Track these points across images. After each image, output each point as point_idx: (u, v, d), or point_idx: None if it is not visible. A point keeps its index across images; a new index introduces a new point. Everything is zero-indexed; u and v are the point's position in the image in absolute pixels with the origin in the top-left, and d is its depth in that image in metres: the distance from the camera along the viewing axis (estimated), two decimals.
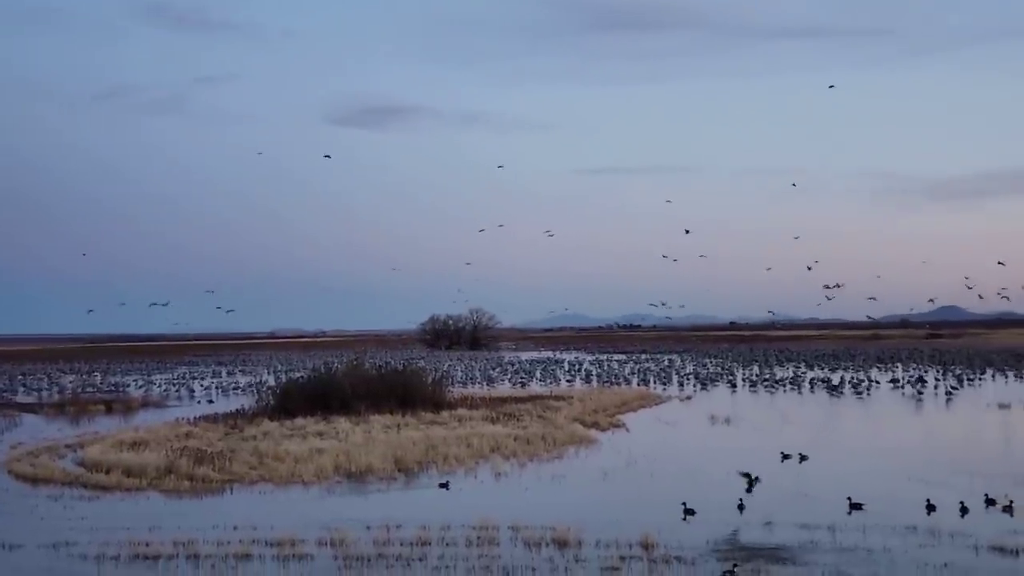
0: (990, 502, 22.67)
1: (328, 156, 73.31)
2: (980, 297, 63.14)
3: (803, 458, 31.18)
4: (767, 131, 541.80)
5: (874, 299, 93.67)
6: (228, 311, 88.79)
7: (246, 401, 52.76)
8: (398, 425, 39.00)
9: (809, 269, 62.32)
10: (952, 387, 60.83)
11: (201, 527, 21.45)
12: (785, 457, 31.47)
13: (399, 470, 29.78)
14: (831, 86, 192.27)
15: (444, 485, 26.83)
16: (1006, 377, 72.14)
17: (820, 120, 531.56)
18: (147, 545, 19.67)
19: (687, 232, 67.60)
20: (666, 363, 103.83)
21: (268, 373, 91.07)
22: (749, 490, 24.75)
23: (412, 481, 28.34)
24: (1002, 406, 48.84)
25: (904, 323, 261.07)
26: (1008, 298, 61.18)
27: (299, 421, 40.54)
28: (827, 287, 61.02)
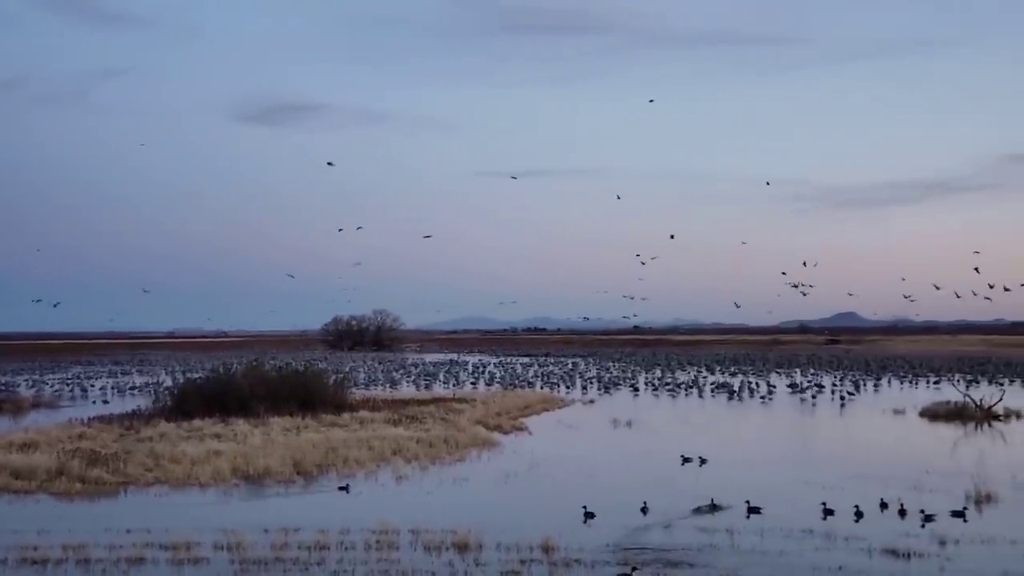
0: (884, 506, 23.26)
1: (331, 163, 73.09)
2: (937, 287, 63.88)
3: (703, 461, 31.65)
4: (675, 136, 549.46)
5: (739, 306, 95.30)
6: (54, 304, 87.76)
7: (142, 402, 51.69)
8: (298, 427, 38.57)
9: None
10: (848, 392, 62.28)
11: (92, 530, 20.93)
12: (685, 460, 31.90)
13: (298, 473, 29.45)
14: (651, 100, 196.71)
15: (344, 488, 26.61)
16: (901, 383, 74.13)
17: (727, 126, 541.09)
18: (35, 549, 19.12)
19: (671, 237, 68.03)
20: (570, 366, 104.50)
21: (166, 373, 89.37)
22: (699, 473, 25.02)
23: (311, 484, 28.05)
24: (896, 411, 50.17)
25: (803, 329, 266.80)
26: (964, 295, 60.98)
27: (196, 422, 39.85)
28: (795, 286, 61.44)
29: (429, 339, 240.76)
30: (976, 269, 57.97)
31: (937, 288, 60.54)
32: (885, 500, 23.58)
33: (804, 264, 61.24)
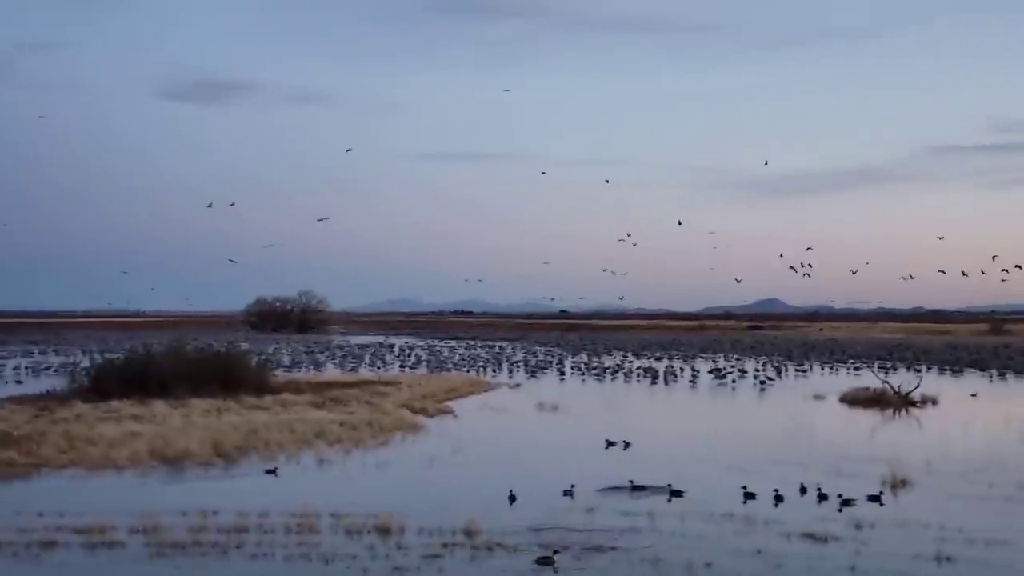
0: (803, 490, 23.64)
1: (350, 150, 72.06)
2: (911, 278, 64.52)
3: (627, 445, 31.92)
4: (602, 121, 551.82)
5: (739, 281, 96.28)
6: None
7: (58, 383, 50.63)
8: (218, 409, 38.09)
9: (632, 243, 63.02)
10: (769, 378, 63.18)
11: (3, 514, 20.47)
12: (610, 444, 32.15)
13: (218, 456, 29.09)
14: (506, 90, 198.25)
15: (272, 471, 26.38)
16: (822, 369, 75.41)
17: (653, 113, 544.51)
18: None
19: (629, 237, 68.43)
20: (497, 350, 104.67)
21: (83, 354, 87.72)
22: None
23: (232, 467, 27.74)
24: (817, 397, 51.02)
25: (727, 315, 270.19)
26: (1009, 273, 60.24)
27: (114, 404, 39.13)
28: (794, 268, 61.59)
29: (355, 321, 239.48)
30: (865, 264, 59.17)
31: (853, 272, 61.39)
32: (805, 485, 23.96)
33: (808, 249, 61.73)
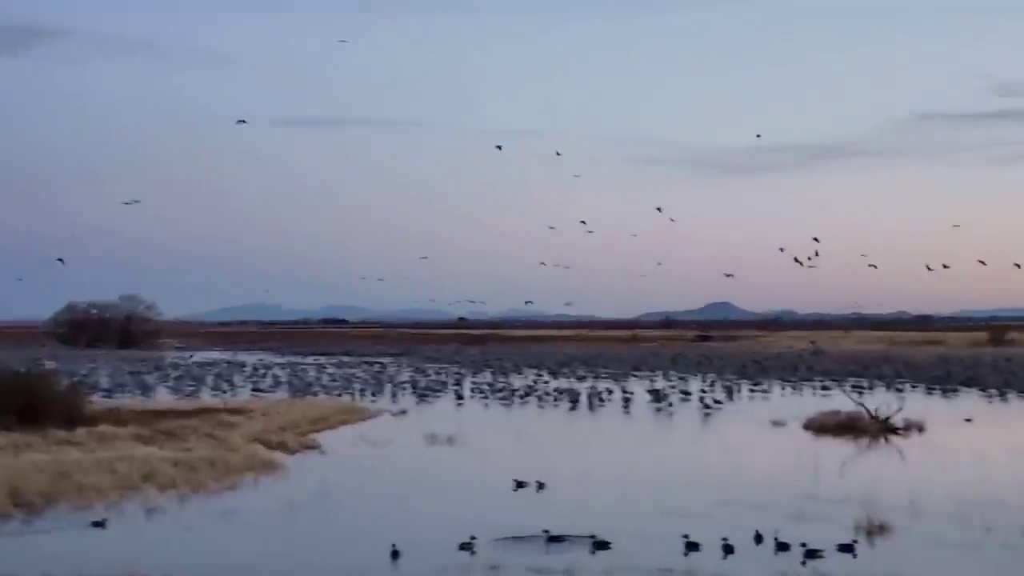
0: (758, 538, 24.00)
1: (242, 122, 71.03)
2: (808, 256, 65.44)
3: (541, 486, 32.06)
4: (507, 86, 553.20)
5: (569, 303, 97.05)
6: None
7: None
8: (17, 446, 37.38)
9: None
10: (715, 401, 63.87)
11: None
12: (519, 485, 32.25)
13: (16, 505, 28.53)
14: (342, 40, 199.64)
15: (100, 524, 26.00)
16: (783, 389, 76.61)
17: (568, 73, 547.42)
18: None
19: (585, 225, 68.11)
20: (377, 368, 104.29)
21: None
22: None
23: (35, 519, 27.25)
24: (776, 423, 51.79)
25: (668, 323, 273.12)
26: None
27: None
28: (799, 261, 61.74)
29: (195, 333, 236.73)
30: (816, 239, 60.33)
31: (811, 257, 61.93)
32: (760, 532, 24.30)
33: (816, 240, 62.03)
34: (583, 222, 70.70)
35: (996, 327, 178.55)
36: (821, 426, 49.92)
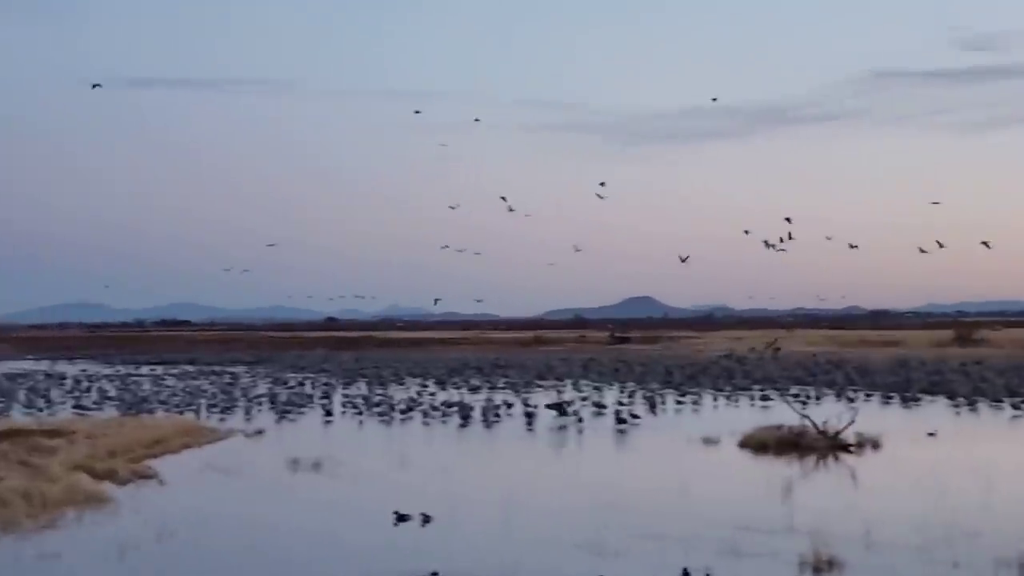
0: None
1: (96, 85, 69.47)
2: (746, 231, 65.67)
3: (427, 519, 32.00)
4: (389, 42, 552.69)
5: (480, 301, 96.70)
6: None
7: None
8: None
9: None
10: (633, 415, 63.89)
11: None
12: (401, 519, 32.16)
13: None
14: None
15: None
16: (716, 400, 77.14)
17: (468, 29, 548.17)
18: None
19: (509, 206, 67.50)
20: (228, 379, 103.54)
21: None
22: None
23: None
24: (708, 441, 52.18)
25: (579, 322, 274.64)
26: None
27: None
28: (770, 245, 61.71)
29: (2, 338, 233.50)
30: (789, 219, 60.89)
31: (783, 239, 62.12)
32: (688, 569, 24.45)
33: (788, 220, 62.18)
34: (504, 198, 70.38)
35: (963, 324, 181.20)
36: (760, 443, 50.36)
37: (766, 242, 62.61)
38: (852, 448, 49.42)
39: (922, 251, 65.22)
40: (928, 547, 28.05)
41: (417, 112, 62.69)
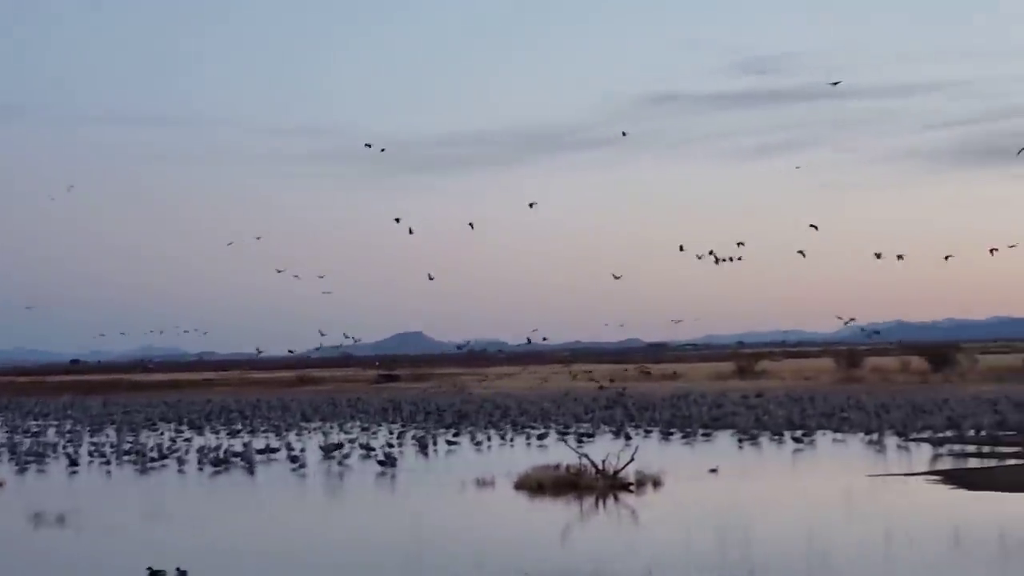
0: None
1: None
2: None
3: (182, 575, 31.51)
4: (132, 64, 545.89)
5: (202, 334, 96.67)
6: None
7: None
8: None
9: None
10: (387, 458, 63.47)
11: None
12: (154, 575, 31.62)
13: None
14: None
15: None
16: (490, 439, 77.28)
17: (218, 55, 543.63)
18: None
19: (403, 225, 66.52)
20: None
21: None
22: None
23: None
24: (482, 483, 52.33)
25: (347, 360, 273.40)
26: None
27: None
28: (717, 259, 61.18)
29: None
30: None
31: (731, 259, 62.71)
32: None
33: (740, 245, 62.16)
34: (258, 238, 70.11)
35: (744, 355, 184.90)
36: (537, 484, 50.66)
37: (715, 256, 62.94)
38: (632, 487, 50.03)
39: (899, 257, 66.84)
40: None
41: (368, 146, 61.00)
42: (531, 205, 66.33)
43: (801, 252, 62.61)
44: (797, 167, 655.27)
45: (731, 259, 62.40)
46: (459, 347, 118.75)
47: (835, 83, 73.32)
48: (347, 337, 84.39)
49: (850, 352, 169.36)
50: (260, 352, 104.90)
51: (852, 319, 68.68)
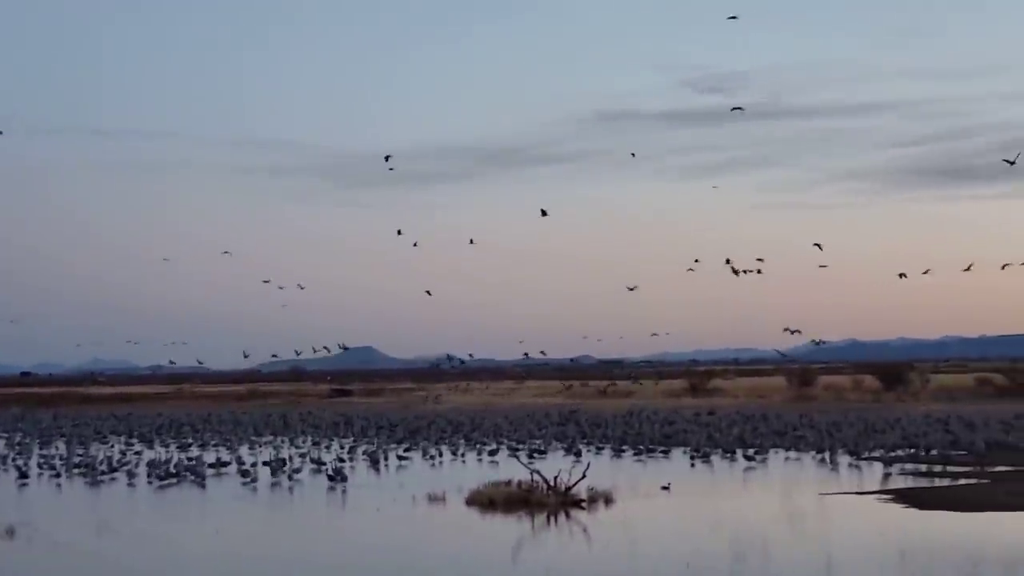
0: None
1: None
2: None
3: None
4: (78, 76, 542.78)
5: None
6: None
7: None
8: None
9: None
10: (335, 473, 63.41)
11: None
12: None
13: None
14: None
15: None
16: (441, 455, 77.30)
17: (159, 63, 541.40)
18: None
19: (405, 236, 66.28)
20: None
21: None
22: None
23: None
24: (433, 499, 52.39)
25: (296, 374, 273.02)
26: None
27: None
28: (738, 271, 61.39)
29: None
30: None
31: (748, 271, 62.99)
32: None
33: (759, 260, 62.35)
34: (227, 252, 70.18)
35: (697, 373, 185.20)
36: (488, 500, 50.74)
37: (733, 268, 63.47)
38: (584, 504, 50.15)
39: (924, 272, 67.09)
40: None
41: (387, 158, 60.97)
42: (544, 213, 66.85)
43: (759, 271, 63.26)
44: (714, 187, 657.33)
45: (747, 271, 63.20)
46: (437, 363, 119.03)
47: (736, 108, 74.57)
48: (298, 353, 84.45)
49: (803, 370, 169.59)
50: (201, 363, 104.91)
51: (798, 330, 68.90)
